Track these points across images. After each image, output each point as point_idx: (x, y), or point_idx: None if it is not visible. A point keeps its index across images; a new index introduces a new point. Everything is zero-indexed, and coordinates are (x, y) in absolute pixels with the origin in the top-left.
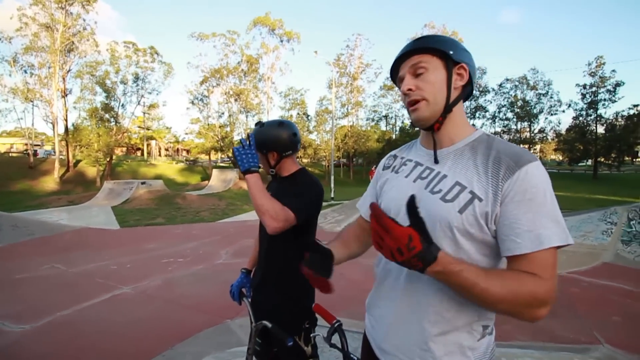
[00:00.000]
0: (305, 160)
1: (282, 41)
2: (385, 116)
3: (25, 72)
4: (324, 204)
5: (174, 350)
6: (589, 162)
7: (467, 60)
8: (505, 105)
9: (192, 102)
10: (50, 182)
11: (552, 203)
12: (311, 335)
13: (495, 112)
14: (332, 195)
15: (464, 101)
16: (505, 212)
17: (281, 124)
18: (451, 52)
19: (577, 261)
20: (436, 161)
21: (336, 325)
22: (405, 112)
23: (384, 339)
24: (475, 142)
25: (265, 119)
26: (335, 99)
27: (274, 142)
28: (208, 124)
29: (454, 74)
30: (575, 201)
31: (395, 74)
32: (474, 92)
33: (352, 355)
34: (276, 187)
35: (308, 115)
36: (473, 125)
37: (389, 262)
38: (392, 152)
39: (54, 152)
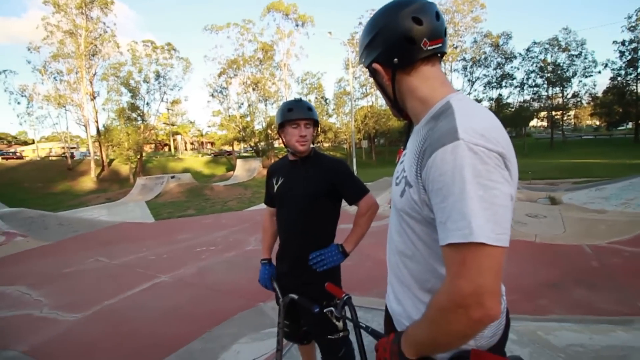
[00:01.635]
0: (326, 145)
1: (297, 25)
2: None
3: (55, 78)
4: None
5: (211, 333)
6: (630, 125)
7: (370, 58)
8: (534, 70)
9: (212, 95)
10: (88, 182)
11: (462, 193)
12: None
13: (523, 78)
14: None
15: (410, 67)
16: (430, 201)
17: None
18: (363, 60)
19: (618, 230)
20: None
21: (345, 298)
22: None
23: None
24: (430, 119)
25: None
26: (353, 80)
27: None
28: (229, 116)
29: (379, 75)
30: (614, 168)
31: None
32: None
33: (361, 324)
34: (297, 169)
35: (326, 99)
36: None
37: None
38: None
39: (89, 153)
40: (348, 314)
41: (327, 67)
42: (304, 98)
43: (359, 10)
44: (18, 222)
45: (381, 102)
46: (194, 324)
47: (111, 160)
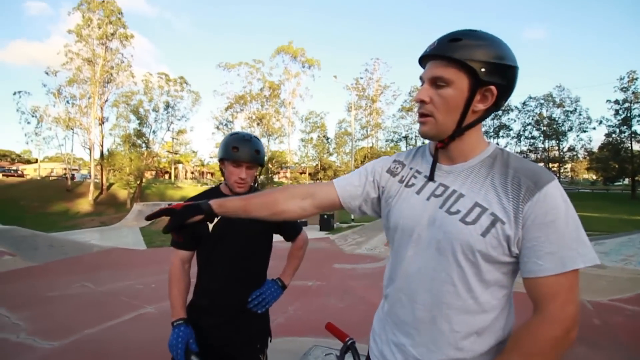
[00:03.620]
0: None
1: (303, 67)
2: (405, 137)
3: (68, 102)
4: (344, 225)
5: None
6: (626, 181)
7: (498, 80)
8: (530, 123)
9: (217, 127)
10: (85, 204)
11: (574, 223)
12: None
13: (520, 130)
14: (353, 217)
15: (485, 119)
16: (527, 235)
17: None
18: (482, 70)
19: (619, 288)
20: (431, 178)
21: (349, 343)
22: None
23: None
24: (490, 159)
25: (286, 142)
26: (354, 122)
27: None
28: None
29: (478, 94)
30: (612, 223)
31: (424, 63)
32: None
33: None
34: None
35: (328, 138)
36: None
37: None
38: (398, 157)
39: (90, 175)
40: None
41: (330, 107)
42: (306, 136)
43: (363, 57)
44: (9, 240)
45: (381, 144)
46: None
47: (110, 184)
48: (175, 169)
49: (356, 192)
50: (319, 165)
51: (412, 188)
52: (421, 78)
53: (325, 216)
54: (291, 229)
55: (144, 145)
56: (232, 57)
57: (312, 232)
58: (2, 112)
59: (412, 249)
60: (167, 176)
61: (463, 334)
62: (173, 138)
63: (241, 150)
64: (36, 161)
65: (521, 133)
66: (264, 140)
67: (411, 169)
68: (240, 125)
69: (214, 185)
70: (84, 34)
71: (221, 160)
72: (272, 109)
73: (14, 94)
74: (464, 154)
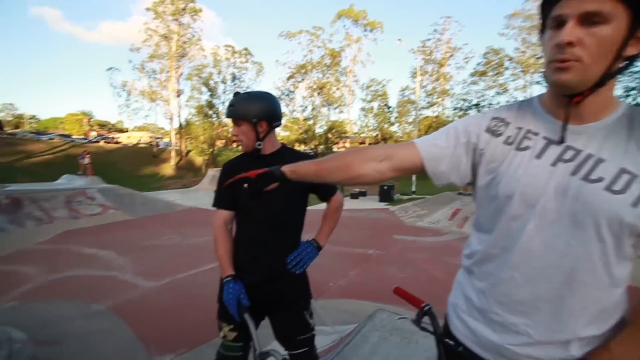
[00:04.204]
0: None
1: (365, 31)
2: (477, 104)
3: (150, 76)
4: (404, 197)
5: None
6: None
7: None
8: None
9: (280, 97)
10: (168, 169)
11: None
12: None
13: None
14: (414, 189)
15: (628, 69)
16: None
17: (267, 93)
18: None
19: None
20: (562, 140)
21: (426, 308)
22: (501, 98)
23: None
24: (626, 118)
25: (346, 112)
26: (419, 89)
27: (265, 109)
28: (293, 118)
29: (635, 37)
30: None
31: (549, 6)
32: None
33: (446, 340)
34: (268, 165)
35: (389, 107)
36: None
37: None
38: (497, 114)
39: (171, 143)
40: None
41: (393, 74)
42: (366, 105)
43: (432, 17)
44: (112, 197)
45: (448, 112)
46: None
47: (188, 151)
48: None
49: (443, 154)
50: (380, 135)
51: (528, 152)
52: (559, 17)
53: (385, 187)
54: (327, 188)
55: (214, 115)
56: (293, 25)
57: (371, 203)
58: (101, 86)
59: (533, 222)
60: (234, 145)
61: (594, 311)
62: None
63: (230, 107)
64: (127, 130)
65: None
66: (323, 110)
67: (520, 128)
68: (301, 94)
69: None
70: (159, 10)
71: (275, 124)
72: (332, 78)
73: (107, 70)
74: (596, 112)
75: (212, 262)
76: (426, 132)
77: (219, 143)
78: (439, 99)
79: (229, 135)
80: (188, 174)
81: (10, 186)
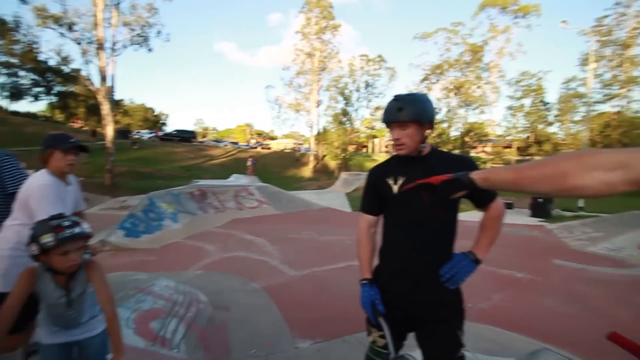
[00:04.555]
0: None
1: (515, 18)
2: None
3: (296, 90)
4: (567, 213)
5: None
6: None
7: None
8: None
9: None
10: (307, 171)
11: None
12: None
13: None
14: (581, 205)
15: None
16: None
17: (425, 95)
18: None
19: None
20: None
21: None
22: None
23: None
24: None
25: (488, 112)
26: (592, 78)
27: (431, 110)
28: None
29: None
30: None
31: None
32: None
33: None
34: (420, 166)
35: (547, 103)
36: None
37: None
38: None
39: (310, 149)
40: None
41: (552, 64)
42: (515, 103)
43: None
44: (266, 193)
45: (637, 106)
46: None
47: (324, 156)
48: (372, 142)
49: None
50: (532, 137)
51: None
52: None
53: (540, 200)
54: (486, 194)
55: (348, 122)
56: (427, 26)
57: (520, 217)
58: (260, 102)
59: None
60: (364, 149)
61: None
62: (371, 114)
63: (386, 111)
64: (276, 138)
65: None
66: (460, 111)
67: None
68: (435, 96)
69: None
70: (306, 32)
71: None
72: (472, 75)
73: (265, 87)
74: None
75: (344, 261)
76: (601, 133)
77: (350, 148)
78: (622, 90)
79: (360, 140)
80: (323, 176)
81: (199, 181)
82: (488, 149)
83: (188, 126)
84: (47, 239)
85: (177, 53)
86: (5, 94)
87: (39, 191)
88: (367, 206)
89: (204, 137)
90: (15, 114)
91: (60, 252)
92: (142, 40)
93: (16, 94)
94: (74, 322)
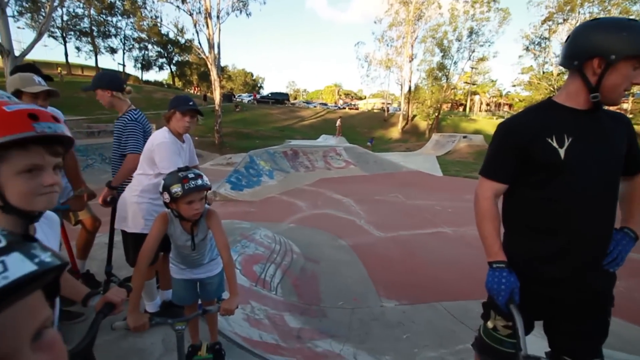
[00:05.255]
0: None
1: None
2: None
3: (387, 45)
4: None
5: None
6: None
7: None
8: None
9: (527, 48)
10: (395, 132)
11: None
12: None
13: None
14: None
15: None
16: None
17: None
18: None
19: None
20: None
21: None
22: None
23: None
24: None
25: None
26: None
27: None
28: (543, 72)
29: None
30: None
31: None
32: None
33: None
34: (594, 122)
35: None
36: None
37: None
38: None
39: (399, 108)
40: None
41: None
42: None
43: None
44: (352, 154)
45: None
46: (474, 285)
47: (414, 116)
48: (471, 100)
49: None
50: None
51: None
52: None
53: None
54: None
55: (444, 78)
56: None
57: None
58: (349, 60)
59: None
60: (461, 108)
61: None
62: (472, 67)
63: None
64: (364, 97)
65: None
66: None
67: None
68: (559, 41)
69: (543, 99)
70: None
71: (605, 55)
72: (616, 11)
73: (355, 45)
74: None
75: (432, 227)
76: None
77: (444, 107)
78: None
79: (457, 97)
80: (412, 137)
81: (292, 141)
82: (627, 105)
83: (281, 88)
84: (176, 188)
85: (272, 16)
86: (139, 65)
87: (159, 148)
88: (498, 171)
89: (295, 98)
90: (147, 82)
91: (186, 201)
92: (242, 5)
93: (146, 65)
94: (198, 263)
